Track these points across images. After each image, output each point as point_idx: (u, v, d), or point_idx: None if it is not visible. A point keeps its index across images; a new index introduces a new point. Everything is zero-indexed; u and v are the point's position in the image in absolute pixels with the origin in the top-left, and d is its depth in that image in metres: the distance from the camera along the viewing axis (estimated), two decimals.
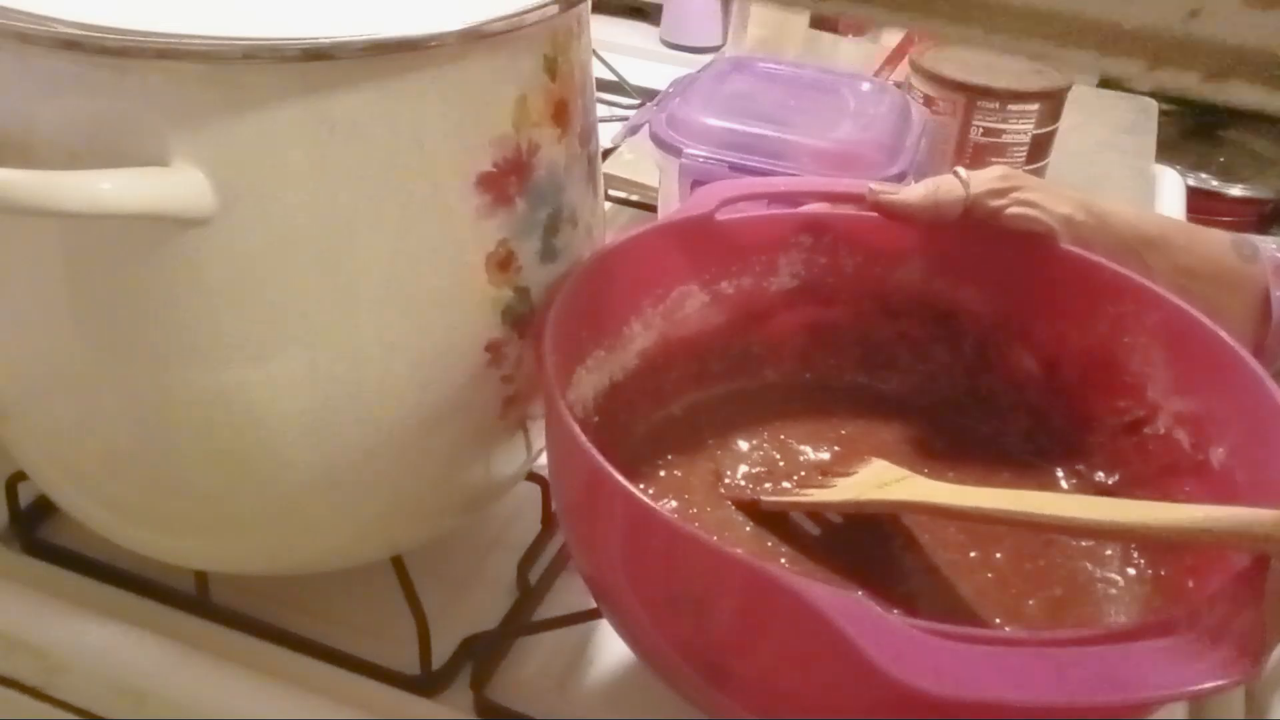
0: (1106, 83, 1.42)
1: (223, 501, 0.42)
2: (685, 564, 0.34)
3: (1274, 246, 0.51)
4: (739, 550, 0.34)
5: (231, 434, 0.39)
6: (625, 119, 0.88)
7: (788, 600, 0.31)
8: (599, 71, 0.79)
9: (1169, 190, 0.92)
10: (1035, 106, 0.76)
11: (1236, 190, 1.52)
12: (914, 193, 0.49)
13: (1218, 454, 0.43)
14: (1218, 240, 0.52)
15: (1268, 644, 0.30)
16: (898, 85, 0.81)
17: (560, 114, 0.41)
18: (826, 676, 0.33)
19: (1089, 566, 0.45)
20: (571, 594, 0.51)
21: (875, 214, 0.50)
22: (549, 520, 0.54)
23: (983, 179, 0.49)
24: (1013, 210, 0.48)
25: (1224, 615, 0.30)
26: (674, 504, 0.47)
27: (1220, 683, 0.29)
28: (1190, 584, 0.41)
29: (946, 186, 0.49)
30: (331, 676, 0.46)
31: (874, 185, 0.50)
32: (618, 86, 0.99)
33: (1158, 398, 0.46)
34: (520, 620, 0.49)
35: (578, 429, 0.36)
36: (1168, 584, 0.43)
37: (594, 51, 0.46)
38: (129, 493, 0.42)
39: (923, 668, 0.29)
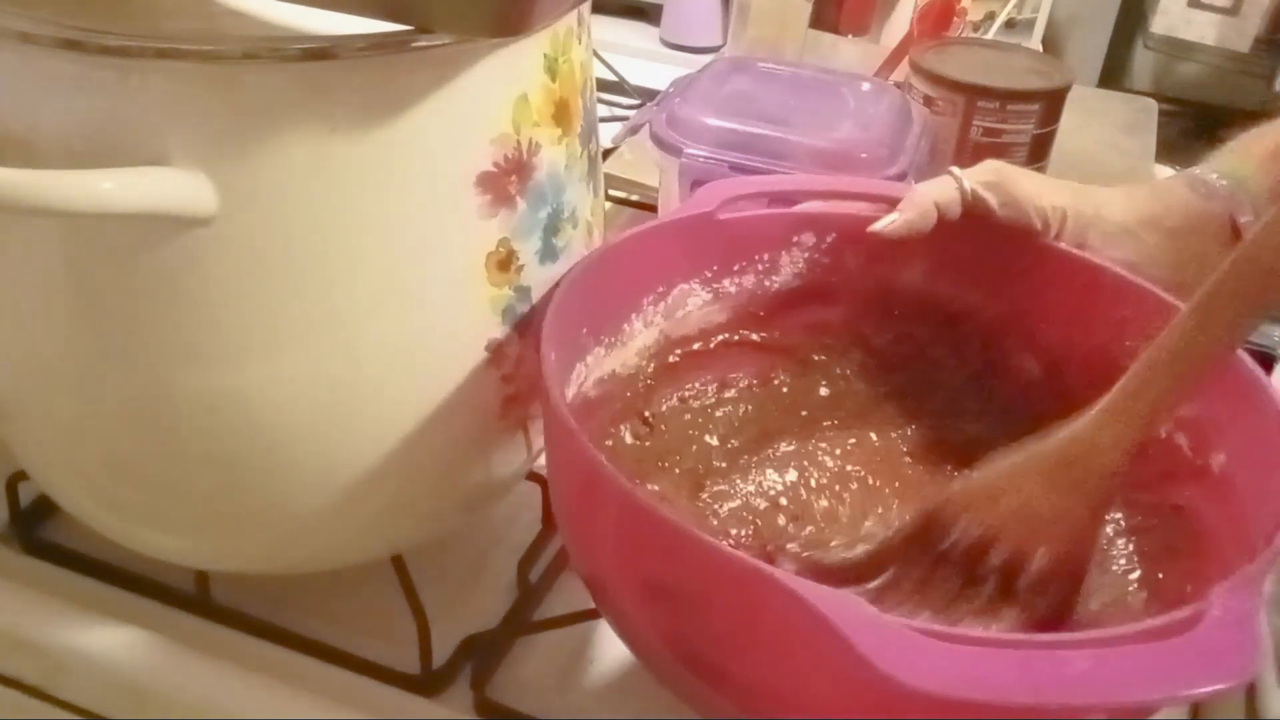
0: (1106, 82, 1.42)
1: (223, 501, 0.42)
2: (681, 562, 0.34)
3: (1213, 175, 0.52)
4: (735, 548, 0.34)
5: (231, 434, 0.39)
6: (625, 119, 0.88)
7: (784, 599, 0.31)
8: (599, 71, 0.79)
9: None
10: (1035, 106, 0.75)
11: None
12: (911, 211, 0.48)
13: (1218, 459, 0.42)
14: (1179, 191, 0.52)
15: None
16: (898, 85, 0.81)
17: (560, 114, 0.41)
18: (823, 676, 0.33)
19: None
20: (571, 594, 0.51)
21: (876, 212, 0.50)
22: (549, 520, 0.54)
23: (976, 174, 0.49)
24: (1003, 212, 0.48)
25: (1223, 617, 0.30)
26: (673, 502, 0.47)
27: (1219, 686, 0.29)
28: (1189, 588, 0.41)
29: (948, 192, 0.49)
30: (331, 676, 0.46)
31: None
32: (618, 86, 0.99)
33: None
34: (520, 620, 0.49)
35: (577, 428, 0.36)
36: (1166, 588, 0.43)
37: (594, 51, 0.46)
38: (129, 493, 0.43)
39: (921, 667, 0.28)
